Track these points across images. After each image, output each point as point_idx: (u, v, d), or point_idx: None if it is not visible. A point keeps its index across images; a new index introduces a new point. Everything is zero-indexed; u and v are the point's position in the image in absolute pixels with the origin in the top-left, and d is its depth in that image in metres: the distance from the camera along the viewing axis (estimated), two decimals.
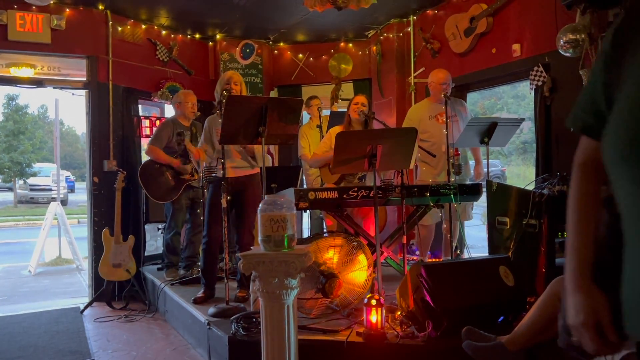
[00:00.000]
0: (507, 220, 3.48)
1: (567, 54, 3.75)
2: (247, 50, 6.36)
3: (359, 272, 3.29)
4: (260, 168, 4.07)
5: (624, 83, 0.95)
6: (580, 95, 1.09)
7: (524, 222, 3.28)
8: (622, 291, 0.95)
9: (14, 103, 24.04)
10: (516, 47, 4.52)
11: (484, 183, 3.97)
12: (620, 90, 0.96)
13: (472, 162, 4.89)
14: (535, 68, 4.24)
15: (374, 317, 2.75)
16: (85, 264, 6.85)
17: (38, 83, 5.21)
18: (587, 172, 1.09)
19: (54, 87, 5.39)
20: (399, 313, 2.96)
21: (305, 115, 5.80)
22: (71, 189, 25.16)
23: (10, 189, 23.06)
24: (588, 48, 3.51)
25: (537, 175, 4.37)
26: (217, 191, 3.76)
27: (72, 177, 28.32)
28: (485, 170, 4.46)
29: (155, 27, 5.86)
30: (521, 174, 21.22)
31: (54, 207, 7.60)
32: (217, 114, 3.93)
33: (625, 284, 0.95)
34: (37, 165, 23.30)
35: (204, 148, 3.92)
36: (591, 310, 0.99)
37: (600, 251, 1.05)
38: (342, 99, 6.01)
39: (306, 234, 6.08)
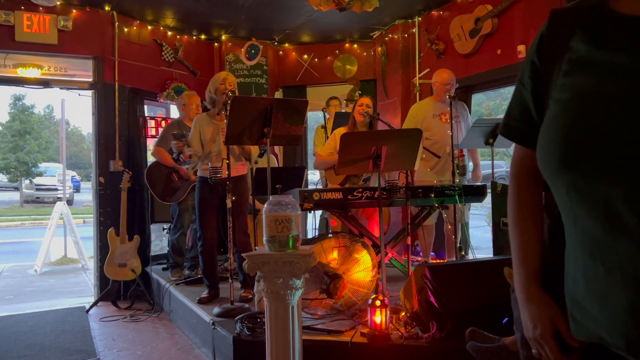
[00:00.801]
0: None
1: None
2: (252, 51, 6.38)
3: (364, 273, 3.29)
4: (260, 169, 4.10)
5: (555, 91, 0.94)
6: (510, 103, 1.07)
7: None
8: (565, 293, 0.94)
9: (21, 103, 24.19)
10: (521, 48, 4.51)
11: (488, 184, 3.97)
12: (550, 97, 0.94)
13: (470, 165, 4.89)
14: None
15: (379, 317, 2.76)
16: (91, 264, 6.89)
17: (45, 84, 5.24)
18: (523, 181, 1.07)
19: (61, 88, 5.43)
20: (403, 314, 2.97)
21: (312, 116, 5.82)
22: (77, 189, 25.30)
23: (17, 189, 23.21)
24: None
25: None
26: (211, 191, 3.76)
27: (77, 177, 28.48)
28: (485, 172, 4.46)
29: (161, 27, 5.89)
30: None
31: (60, 207, 7.65)
32: (206, 113, 3.94)
33: (566, 289, 0.94)
34: (43, 165, 23.44)
35: (193, 148, 3.85)
36: (548, 320, 0.96)
37: (546, 255, 1.03)
38: (346, 99, 6.02)
39: (311, 235, 6.09)
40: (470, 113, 5.27)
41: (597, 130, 0.82)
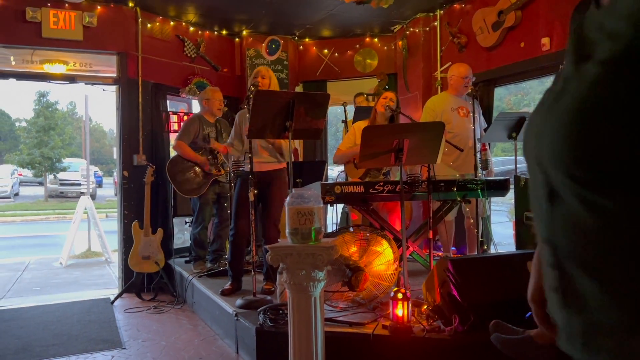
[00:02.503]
0: None
1: None
2: (273, 46, 6.41)
3: (385, 266, 3.30)
4: (287, 164, 4.12)
5: None
6: None
7: None
8: None
9: (45, 99, 24.64)
10: (545, 40, 4.45)
11: (511, 178, 3.93)
12: None
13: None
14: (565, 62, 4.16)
15: (400, 310, 2.76)
16: (114, 257, 7.01)
17: (70, 79, 5.34)
18: None
19: (86, 83, 5.51)
20: (425, 307, 2.97)
21: (351, 110, 5.84)
22: (99, 184, 25.73)
23: (41, 184, 23.68)
24: None
25: None
26: (245, 185, 3.81)
27: (99, 173, 28.94)
28: (508, 168, 4.42)
29: (183, 23, 5.95)
30: None
31: (84, 201, 7.78)
32: (246, 109, 3.98)
33: None
34: (66, 161, 23.85)
35: (233, 144, 3.94)
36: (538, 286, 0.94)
37: None
38: (373, 94, 5.99)
39: (331, 228, 6.10)
40: (492, 107, 5.23)
41: None
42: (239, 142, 3.93)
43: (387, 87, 6.06)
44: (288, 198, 2.29)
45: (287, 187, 4.07)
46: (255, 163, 3.67)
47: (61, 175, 22.42)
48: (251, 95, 3.41)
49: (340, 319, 3.02)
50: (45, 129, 23.62)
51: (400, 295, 2.76)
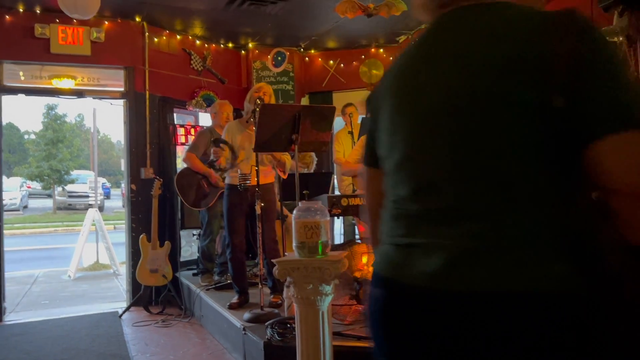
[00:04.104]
0: None
1: None
2: (279, 58, 6.44)
3: None
4: (294, 175, 4.12)
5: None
6: None
7: None
8: None
9: (53, 112, 24.88)
10: None
11: None
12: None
13: None
14: None
15: None
16: (122, 269, 7.03)
17: (78, 94, 5.39)
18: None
19: (94, 98, 5.58)
20: None
21: (340, 122, 5.83)
22: (107, 196, 25.87)
23: (50, 196, 23.83)
24: (626, 50, 3.43)
25: None
26: (233, 198, 3.81)
27: (107, 184, 29.11)
28: None
29: (190, 37, 6.00)
30: None
31: (92, 214, 7.83)
32: (238, 120, 4.00)
33: None
34: (74, 173, 24.03)
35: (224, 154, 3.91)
36: None
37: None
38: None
39: (338, 240, 6.09)
40: None
41: None
42: (229, 153, 3.88)
43: None
44: (295, 211, 2.30)
45: (276, 199, 4.09)
46: (247, 173, 3.68)
47: (69, 188, 22.59)
48: (257, 109, 3.43)
49: (348, 332, 3.00)
50: (54, 142, 23.83)
51: None
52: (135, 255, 5.29)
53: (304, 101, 6.75)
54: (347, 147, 5.31)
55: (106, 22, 5.32)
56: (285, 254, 3.69)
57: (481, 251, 0.85)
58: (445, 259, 0.88)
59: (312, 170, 5.50)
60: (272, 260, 2.41)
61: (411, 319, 0.93)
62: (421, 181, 0.96)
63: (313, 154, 5.45)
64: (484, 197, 0.87)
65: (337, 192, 5.42)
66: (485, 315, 0.83)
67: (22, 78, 5.15)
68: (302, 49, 6.72)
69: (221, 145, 3.81)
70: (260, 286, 3.54)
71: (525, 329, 0.80)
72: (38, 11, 5.04)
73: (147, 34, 5.53)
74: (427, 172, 0.95)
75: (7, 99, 5.21)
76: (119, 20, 5.40)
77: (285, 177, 4.07)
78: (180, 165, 5.68)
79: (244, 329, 3.33)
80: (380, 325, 1.01)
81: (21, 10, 5.00)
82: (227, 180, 3.96)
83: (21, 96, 5.37)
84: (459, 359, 0.86)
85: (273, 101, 3.95)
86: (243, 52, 6.60)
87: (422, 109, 0.96)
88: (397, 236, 1.00)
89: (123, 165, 6.13)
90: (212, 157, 3.89)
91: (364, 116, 5.76)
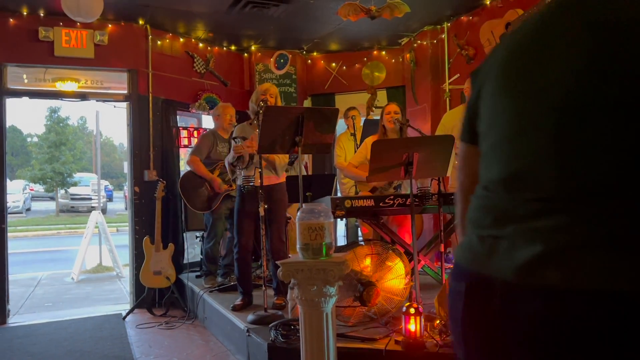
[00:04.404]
0: None
1: None
2: (282, 61, 6.46)
3: (397, 281, 3.28)
4: (290, 177, 4.13)
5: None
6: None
7: None
8: None
9: (56, 115, 24.94)
10: None
11: None
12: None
13: None
14: None
15: (413, 325, 2.74)
16: (125, 272, 7.04)
17: (82, 97, 5.41)
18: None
19: (97, 100, 5.59)
20: (438, 322, 2.95)
21: (342, 124, 5.83)
22: (110, 198, 25.93)
23: (53, 199, 23.87)
24: None
25: None
26: (244, 200, 3.82)
27: (110, 187, 29.16)
28: None
29: (193, 39, 6.02)
30: None
31: (95, 216, 7.84)
32: (246, 122, 4.00)
33: None
34: (77, 175, 24.07)
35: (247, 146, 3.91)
36: None
37: None
38: (376, 107, 6.03)
39: (341, 242, 6.10)
40: None
41: None
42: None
43: (378, 100, 6.12)
44: (299, 213, 2.30)
45: (287, 200, 4.09)
46: (252, 174, 3.69)
47: (72, 190, 22.62)
48: (261, 111, 3.44)
49: (352, 334, 3.00)
50: (57, 145, 23.87)
51: (412, 310, 2.74)
52: (138, 257, 5.30)
53: (307, 103, 6.76)
54: (349, 150, 5.30)
55: (109, 25, 5.34)
56: (290, 255, 3.70)
57: (575, 247, 0.82)
58: (534, 252, 0.85)
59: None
60: (277, 262, 2.41)
61: (493, 314, 0.91)
62: (516, 167, 0.93)
63: None
64: (585, 191, 0.83)
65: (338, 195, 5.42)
66: (574, 313, 0.80)
67: (26, 81, 5.17)
68: (304, 52, 6.74)
69: (238, 140, 3.78)
70: (264, 288, 3.54)
71: (614, 329, 0.78)
72: (42, 14, 5.06)
73: (150, 36, 5.54)
74: (524, 158, 0.91)
75: (10, 101, 5.23)
76: (122, 23, 5.41)
77: (277, 175, 4.07)
78: (184, 167, 5.69)
79: (247, 331, 3.33)
80: (461, 320, 0.99)
81: (25, 13, 5.03)
82: (238, 182, 3.97)
83: (25, 99, 5.39)
84: (539, 356, 0.85)
85: (279, 102, 3.95)
86: (246, 54, 6.61)
87: (530, 92, 0.91)
88: (483, 227, 0.98)
89: (126, 167, 6.15)
90: (231, 158, 3.83)
91: (366, 119, 5.78)
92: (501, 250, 0.91)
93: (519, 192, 0.91)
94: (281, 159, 3.85)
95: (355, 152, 4.94)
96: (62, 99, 5.49)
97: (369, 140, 4.28)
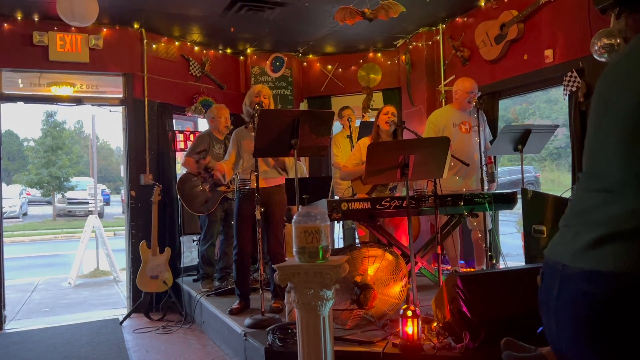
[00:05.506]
0: (544, 228, 3.42)
1: (603, 59, 3.69)
2: (277, 63, 6.45)
3: (394, 283, 3.28)
4: (288, 180, 4.12)
5: None
6: None
7: None
8: None
9: (52, 119, 24.83)
10: (548, 52, 4.46)
11: (518, 190, 3.92)
12: None
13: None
14: (569, 74, 4.17)
15: (410, 328, 2.74)
16: (122, 276, 7.02)
17: (77, 101, 5.39)
18: None
19: (93, 105, 5.58)
20: (435, 324, 2.94)
21: (337, 125, 5.83)
22: (106, 202, 25.83)
23: (49, 203, 23.79)
24: None
25: (572, 180, 4.29)
26: (245, 203, 3.82)
27: (107, 190, 29.07)
28: (514, 177, 4.41)
29: (188, 43, 6.01)
30: (555, 179, 20.77)
31: (92, 221, 7.82)
32: (244, 126, 4.00)
33: None
34: (74, 180, 23.98)
35: (230, 160, 3.92)
36: None
37: None
38: (372, 109, 6.04)
39: (337, 244, 6.09)
40: (497, 119, 5.23)
41: None
42: (237, 160, 3.91)
43: (373, 100, 6.13)
44: (295, 217, 2.30)
45: (286, 202, 4.09)
46: (245, 181, 3.70)
47: (69, 194, 22.53)
48: (256, 114, 3.43)
49: (350, 337, 3.00)
50: (53, 149, 23.78)
51: (409, 313, 2.74)
52: (135, 261, 5.29)
53: (303, 106, 6.76)
54: (345, 151, 5.30)
55: (104, 29, 5.32)
56: (287, 259, 3.69)
57: (624, 234, 0.96)
58: (590, 238, 1.00)
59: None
60: (274, 265, 2.40)
61: (553, 297, 1.06)
62: (590, 166, 1.11)
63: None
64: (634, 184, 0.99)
65: (334, 197, 5.41)
66: (620, 296, 0.93)
67: (21, 86, 5.16)
68: (300, 54, 6.74)
69: (201, 155, 3.77)
70: (261, 291, 3.54)
71: None
72: (36, 19, 5.05)
73: (145, 40, 5.53)
74: (597, 159, 1.09)
75: (6, 106, 5.21)
76: (117, 27, 5.41)
77: (287, 176, 4.06)
78: (180, 171, 5.68)
79: (245, 335, 3.32)
80: (539, 302, 1.17)
81: (19, 18, 5.01)
82: (238, 185, 3.97)
83: (20, 104, 5.37)
84: (586, 335, 0.97)
85: (272, 103, 3.95)
86: (241, 57, 6.61)
87: (609, 101, 1.10)
88: (563, 218, 1.16)
89: (122, 171, 6.13)
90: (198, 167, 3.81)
91: (362, 121, 5.77)
92: (568, 238, 1.08)
93: (588, 185, 1.10)
94: (290, 159, 3.85)
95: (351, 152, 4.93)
96: (57, 104, 5.48)
97: (363, 142, 4.28)
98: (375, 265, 3.25)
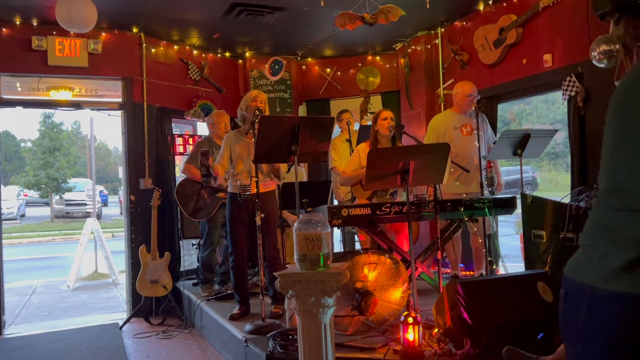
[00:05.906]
0: (543, 233, 3.44)
1: (602, 65, 3.70)
2: (276, 67, 6.46)
3: (394, 289, 3.29)
4: (286, 184, 4.13)
5: None
6: None
7: (561, 236, 3.24)
8: None
9: (50, 121, 24.78)
10: (547, 57, 4.48)
11: (517, 194, 3.93)
12: None
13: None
14: (568, 78, 4.19)
15: (411, 335, 2.75)
16: (121, 278, 7.01)
17: (76, 105, 5.39)
18: None
19: (91, 109, 5.57)
20: (436, 330, 2.95)
21: (336, 128, 5.83)
22: (104, 203, 25.79)
23: (47, 204, 23.74)
24: (623, 59, 3.45)
25: (572, 186, 4.30)
26: (235, 207, 3.81)
27: (105, 191, 29.01)
28: (513, 178, 4.43)
29: (187, 47, 6.01)
30: (553, 179, 20.83)
31: (91, 223, 7.81)
32: (236, 130, 3.99)
33: None
34: (72, 181, 23.94)
35: (222, 164, 3.91)
36: None
37: None
38: (370, 112, 6.04)
39: (337, 247, 6.10)
40: (496, 123, 5.24)
41: None
42: (228, 164, 3.89)
43: (371, 103, 6.13)
44: (296, 224, 2.30)
45: (278, 207, 4.09)
46: (247, 183, 3.69)
47: (67, 196, 22.49)
48: (256, 120, 3.44)
49: (351, 343, 3.00)
50: (51, 150, 23.73)
51: (410, 320, 2.75)
52: (135, 265, 5.29)
53: (302, 109, 6.77)
54: (344, 155, 5.30)
55: (103, 34, 5.32)
56: (287, 265, 3.70)
57: None
58: (623, 260, 0.96)
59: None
60: (274, 273, 2.40)
61: (581, 320, 1.02)
62: (614, 181, 1.07)
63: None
64: None
65: (333, 201, 5.41)
66: None
67: (20, 90, 5.15)
68: (299, 57, 6.74)
69: (204, 156, 3.73)
70: (261, 297, 3.54)
71: None
72: (35, 23, 5.04)
73: (144, 44, 5.53)
74: (623, 173, 1.05)
75: (4, 111, 5.21)
76: (116, 32, 5.40)
77: (279, 183, 4.07)
78: (179, 174, 5.68)
79: (245, 341, 3.32)
80: (560, 323, 1.11)
81: (18, 22, 5.01)
82: (229, 190, 3.97)
83: (19, 109, 5.36)
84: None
85: (267, 109, 3.94)
86: (240, 61, 6.61)
87: (621, 117, 1.09)
88: (585, 236, 1.13)
89: (121, 174, 6.13)
90: (202, 168, 3.78)
91: (361, 125, 5.77)
92: (595, 258, 1.03)
93: (611, 202, 1.06)
94: (284, 165, 3.85)
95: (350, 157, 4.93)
96: (56, 108, 5.47)
97: (362, 147, 4.28)
98: (375, 271, 3.26)
